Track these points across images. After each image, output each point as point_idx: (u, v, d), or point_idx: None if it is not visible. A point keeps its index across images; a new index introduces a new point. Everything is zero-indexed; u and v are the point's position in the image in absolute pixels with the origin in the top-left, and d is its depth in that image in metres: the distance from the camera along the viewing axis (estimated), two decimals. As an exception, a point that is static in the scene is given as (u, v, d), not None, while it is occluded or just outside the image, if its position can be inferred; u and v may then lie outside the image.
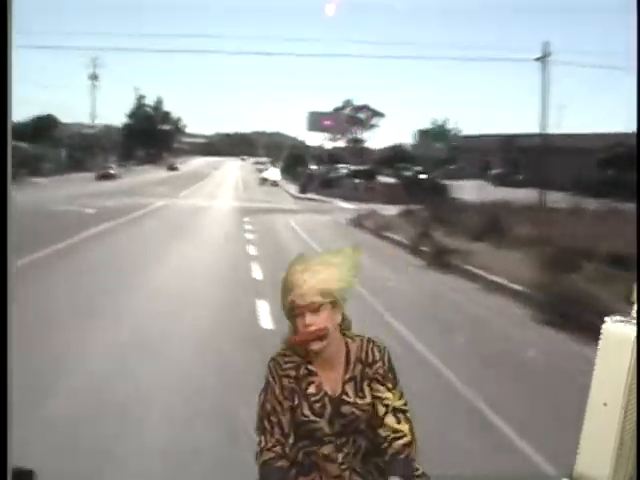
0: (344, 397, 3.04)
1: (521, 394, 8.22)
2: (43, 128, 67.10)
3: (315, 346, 2.96)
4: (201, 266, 17.26)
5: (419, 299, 14.38)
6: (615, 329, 3.03)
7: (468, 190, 46.94)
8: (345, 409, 3.03)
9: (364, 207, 38.25)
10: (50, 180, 51.72)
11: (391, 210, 33.46)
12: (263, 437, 3.02)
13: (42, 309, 10.92)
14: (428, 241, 22.33)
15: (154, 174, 64.61)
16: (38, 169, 55.92)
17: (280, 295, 2.97)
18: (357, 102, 67.24)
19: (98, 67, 71.59)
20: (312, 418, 3.02)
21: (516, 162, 56.73)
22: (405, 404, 3.06)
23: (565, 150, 47.73)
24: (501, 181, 52.51)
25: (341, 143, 69.48)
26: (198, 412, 7.05)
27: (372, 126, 69.93)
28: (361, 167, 56.69)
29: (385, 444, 2.98)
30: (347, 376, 3.05)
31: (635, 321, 2.98)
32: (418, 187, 44.05)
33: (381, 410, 3.01)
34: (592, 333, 3.21)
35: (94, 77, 71.79)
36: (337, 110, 65.01)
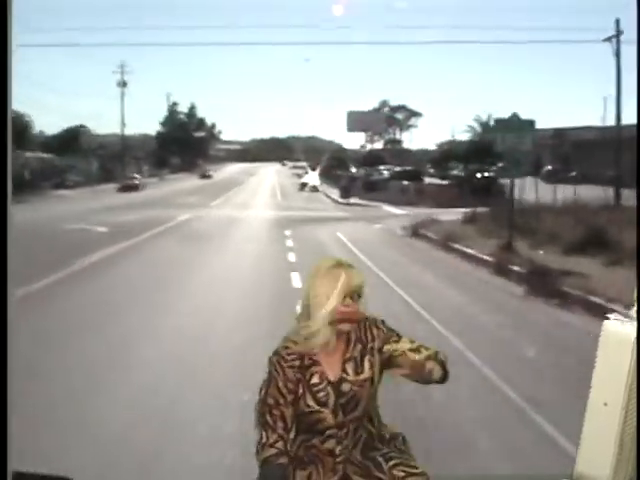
0: (344, 375, 3.06)
1: None
2: (72, 138, 63.59)
3: (345, 327, 3.06)
4: (229, 321, 11.38)
5: (553, 361, 9.13)
6: (615, 329, 3.08)
7: (521, 189, 42.18)
8: (345, 387, 3.05)
9: (415, 212, 33.49)
10: (77, 192, 47.35)
11: (448, 215, 28.46)
12: (264, 432, 3.00)
13: None
14: (515, 256, 17.38)
15: (186, 182, 60.04)
16: (64, 181, 52.50)
17: (318, 283, 3.05)
18: (394, 102, 64.55)
19: (127, 74, 67.67)
20: (316, 408, 3.03)
21: (568, 157, 52.18)
22: (419, 344, 3.05)
23: (623, 143, 42.97)
24: (554, 178, 47.86)
25: (379, 145, 66.97)
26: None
27: (410, 126, 67.28)
28: (406, 168, 51.91)
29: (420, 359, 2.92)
30: (347, 356, 3.09)
31: (635, 321, 3.00)
32: (473, 187, 38.95)
33: (406, 358, 2.94)
34: None
35: (123, 84, 67.75)
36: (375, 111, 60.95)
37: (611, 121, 43.23)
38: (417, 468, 3.01)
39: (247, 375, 6.65)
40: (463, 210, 30.86)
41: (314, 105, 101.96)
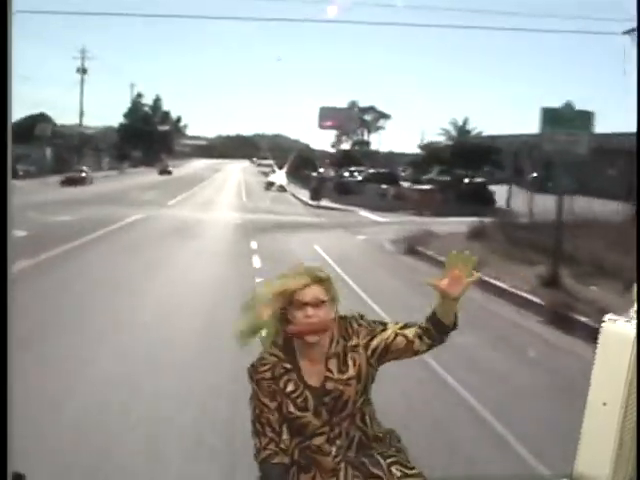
0: (327, 374, 2.99)
1: None
2: (31, 127, 57.81)
3: (311, 339, 2.96)
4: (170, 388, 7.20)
5: None
6: (614, 329, 3.02)
7: (506, 197, 37.57)
8: (329, 385, 2.98)
9: (398, 219, 28.55)
10: (25, 183, 41.46)
11: (442, 226, 23.59)
12: (257, 439, 3.01)
13: None
14: (567, 295, 12.40)
15: (147, 177, 54.41)
16: (15, 171, 46.62)
17: (275, 291, 2.97)
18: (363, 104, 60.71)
19: (88, 60, 61.76)
20: (298, 414, 2.98)
21: (551, 165, 47.80)
22: (404, 323, 3.03)
23: (611, 152, 38.96)
24: (538, 187, 43.38)
25: (346, 146, 62.50)
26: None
27: (378, 128, 63.52)
28: (380, 170, 46.93)
29: (419, 336, 2.96)
30: (329, 353, 3.01)
31: (634, 321, 2.94)
32: (460, 193, 34.10)
33: (400, 340, 2.97)
34: None
35: (83, 71, 61.76)
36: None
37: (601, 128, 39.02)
38: (414, 468, 3.00)
39: None
40: (456, 220, 26.29)
41: (280, 103, 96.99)
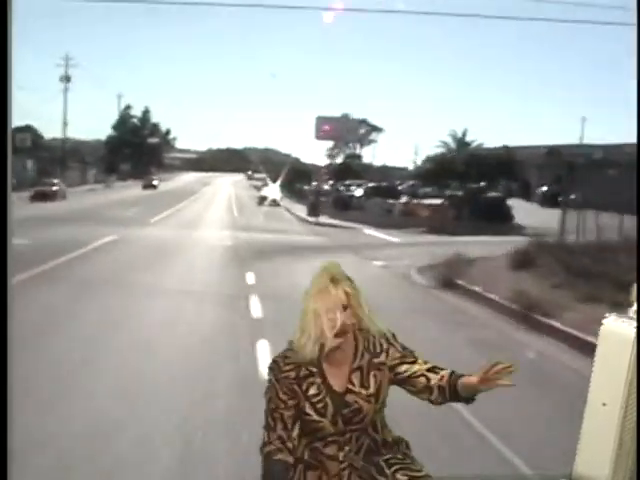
0: (349, 386, 2.98)
1: None
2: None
3: (336, 341, 2.94)
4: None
5: None
6: (614, 328, 2.95)
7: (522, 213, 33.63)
8: (349, 398, 2.96)
9: (412, 239, 24.58)
10: None
11: (465, 246, 19.38)
12: (266, 433, 2.98)
13: None
14: None
15: (133, 191, 50.24)
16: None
17: (309, 297, 2.94)
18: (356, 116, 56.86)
19: (72, 67, 57.20)
20: (315, 417, 2.96)
21: (560, 178, 44.13)
22: (432, 364, 2.99)
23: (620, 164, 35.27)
24: (551, 201, 39.40)
25: (338, 160, 58.57)
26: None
27: (370, 141, 59.69)
28: (382, 183, 42.88)
29: (439, 387, 2.92)
30: (354, 366, 3.00)
31: (634, 321, 2.89)
32: (476, 209, 29.97)
33: (420, 381, 2.95)
34: None
35: (67, 79, 57.19)
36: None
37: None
38: (420, 472, 2.96)
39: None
40: (476, 239, 22.58)
41: (271, 116, 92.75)
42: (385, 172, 55.39)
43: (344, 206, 37.14)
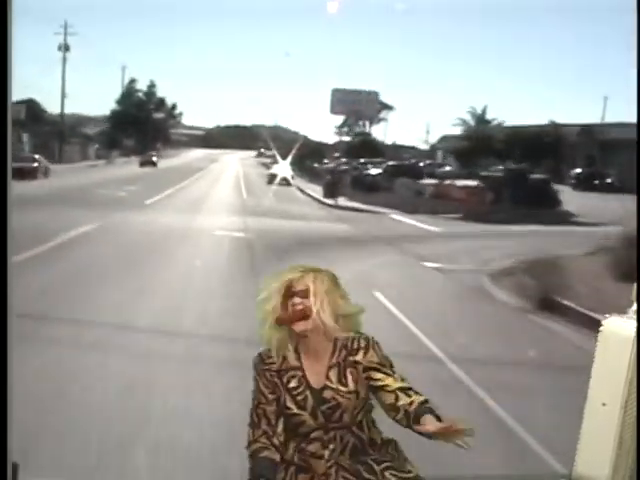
0: (327, 383, 2.86)
1: None
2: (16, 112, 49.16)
3: (300, 326, 2.80)
4: None
5: None
6: (614, 328, 2.86)
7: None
8: (327, 394, 2.84)
9: (453, 230, 19.77)
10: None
11: (527, 240, 14.82)
12: (250, 430, 2.89)
13: None
14: None
15: (134, 167, 45.48)
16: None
17: (272, 289, 2.80)
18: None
19: (70, 35, 52.16)
20: (295, 411, 2.85)
21: (594, 159, 39.47)
22: (408, 384, 2.77)
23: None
24: (586, 185, 34.81)
25: (346, 138, 54.48)
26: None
27: (380, 120, 55.85)
28: (404, 162, 38.08)
29: (405, 411, 2.67)
30: (332, 361, 2.87)
31: (634, 320, 2.78)
32: (521, 192, 25.16)
33: (389, 397, 2.75)
34: None
35: (65, 48, 52.07)
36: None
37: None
38: (410, 472, 2.82)
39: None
40: (531, 229, 18.49)
41: (281, 94, 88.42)
42: (397, 150, 51.19)
43: (366, 187, 32.26)
